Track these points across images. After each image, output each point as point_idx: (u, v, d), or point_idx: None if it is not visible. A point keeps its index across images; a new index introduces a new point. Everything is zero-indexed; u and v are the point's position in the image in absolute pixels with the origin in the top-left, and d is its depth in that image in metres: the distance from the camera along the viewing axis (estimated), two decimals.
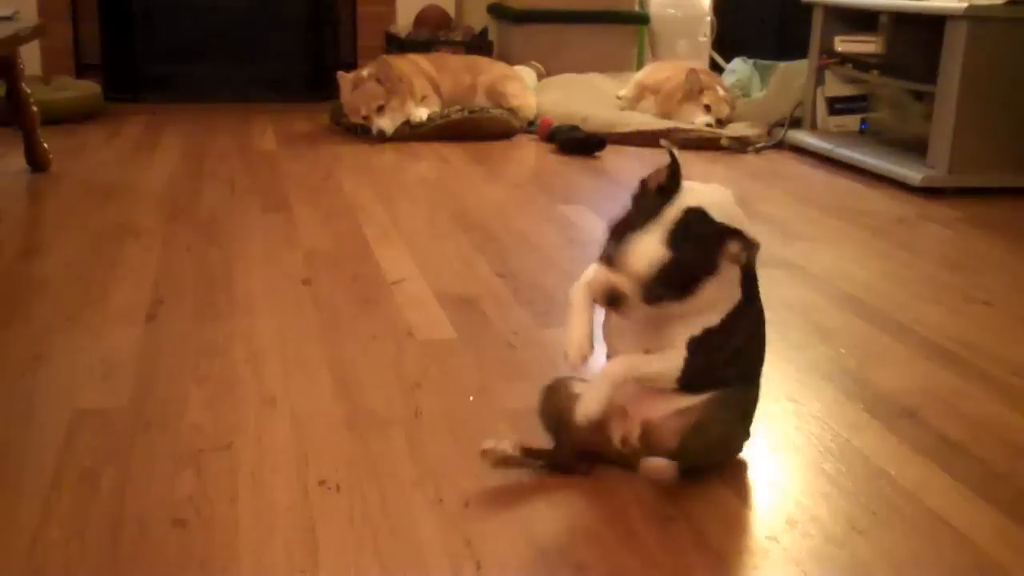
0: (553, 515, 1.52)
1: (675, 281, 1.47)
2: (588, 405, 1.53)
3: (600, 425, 1.61)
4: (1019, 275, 2.84)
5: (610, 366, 1.56)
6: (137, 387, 1.90)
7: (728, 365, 1.59)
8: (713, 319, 1.54)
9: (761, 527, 1.50)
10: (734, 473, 1.64)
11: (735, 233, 1.48)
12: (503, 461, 1.59)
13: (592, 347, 1.55)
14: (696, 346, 1.53)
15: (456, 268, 2.69)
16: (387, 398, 1.88)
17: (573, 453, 1.63)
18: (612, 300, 1.50)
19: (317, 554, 1.39)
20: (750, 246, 1.48)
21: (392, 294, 2.45)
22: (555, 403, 1.66)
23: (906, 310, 2.45)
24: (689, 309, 1.51)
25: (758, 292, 1.59)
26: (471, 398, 1.89)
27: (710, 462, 1.60)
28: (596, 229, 3.08)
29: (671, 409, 1.57)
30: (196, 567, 1.36)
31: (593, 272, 1.58)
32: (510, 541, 1.43)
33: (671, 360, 1.54)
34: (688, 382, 1.55)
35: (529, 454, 1.61)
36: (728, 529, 1.49)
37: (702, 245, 1.47)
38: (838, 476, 1.64)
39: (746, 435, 1.65)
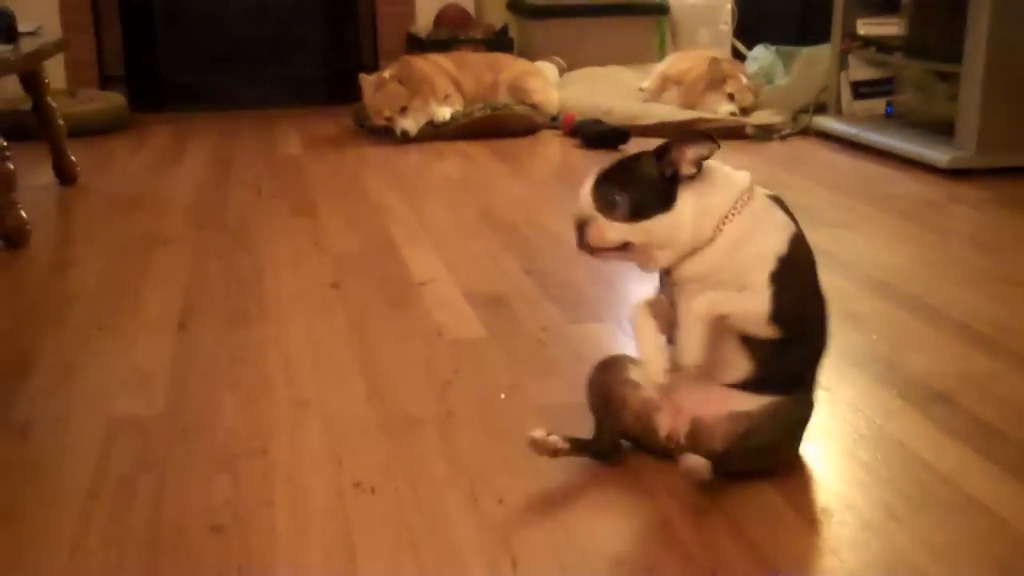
0: (588, 511, 1.52)
1: (622, 180, 1.52)
2: (689, 351, 1.51)
3: (649, 413, 1.61)
4: None
5: (695, 304, 1.52)
6: (171, 394, 1.91)
7: (808, 307, 1.58)
8: (779, 247, 1.52)
9: (797, 516, 1.49)
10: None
11: (683, 137, 1.51)
12: (551, 451, 1.59)
13: (668, 361, 1.54)
14: (776, 278, 1.50)
15: (484, 266, 2.69)
16: (419, 398, 1.89)
17: (616, 438, 1.64)
18: (579, 225, 1.55)
19: (355, 556, 1.39)
20: (707, 146, 1.50)
21: (420, 295, 2.46)
22: (604, 384, 1.66)
23: (937, 294, 2.44)
24: (720, 259, 1.52)
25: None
26: (503, 396, 1.90)
27: (753, 469, 1.58)
28: None
29: (724, 411, 1.56)
30: (234, 572, 1.37)
31: (649, 297, 1.61)
32: (546, 538, 1.44)
33: (757, 295, 1.50)
34: (780, 319, 1.50)
35: (575, 445, 1.61)
36: (764, 520, 1.48)
37: (646, 156, 1.54)
38: (873, 463, 1.64)
39: (795, 448, 1.63)
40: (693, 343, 1.51)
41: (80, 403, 1.90)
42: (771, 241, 1.53)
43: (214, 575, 1.36)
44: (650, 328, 1.56)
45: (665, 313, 1.59)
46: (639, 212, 1.51)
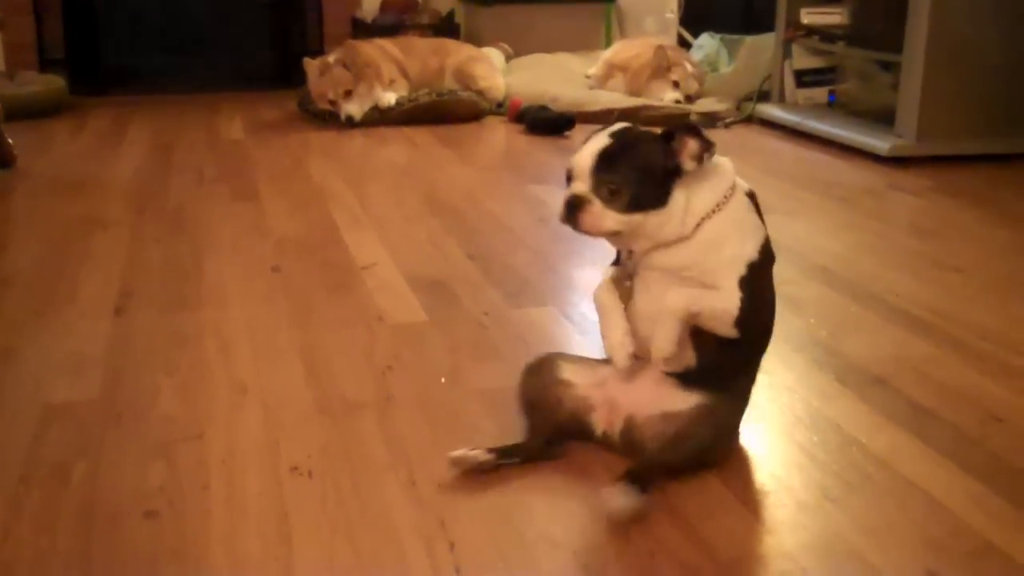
0: (526, 495, 1.51)
1: (625, 167, 1.49)
2: (663, 346, 1.51)
3: (585, 411, 1.61)
4: (989, 242, 2.85)
5: (671, 299, 1.51)
6: (107, 380, 1.89)
7: (766, 311, 1.59)
8: (751, 253, 1.53)
9: (734, 498, 1.50)
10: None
11: (688, 130, 1.49)
12: (475, 467, 1.55)
13: (632, 344, 1.55)
14: (745, 284, 1.52)
15: (426, 251, 2.68)
16: (358, 383, 1.87)
17: (547, 438, 1.62)
18: (572, 204, 1.52)
19: (291, 540, 1.38)
20: (708, 145, 1.49)
21: (362, 279, 2.44)
22: (537, 383, 1.66)
23: (877, 279, 2.46)
24: (700, 253, 1.51)
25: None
26: (443, 380, 1.89)
27: (682, 469, 1.55)
28: None
29: (658, 410, 1.56)
30: (168, 557, 1.35)
31: (609, 272, 1.60)
32: (484, 521, 1.43)
33: (728, 297, 1.51)
34: (742, 322, 1.52)
35: (501, 454, 1.57)
36: (701, 501, 1.49)
37: (647, 138, 1.52)
38: (810, 445, 1.65)
39: (724, 448, 1.61)
40: (667, 338, 1.52)
41: (14, 389, 1.86)
42: (745, 246, 1.54)
43: (148, 561, 1.35)
44: (617, 312, 1.57)
45: (623, 288, 1.59)
46: (637, 205, 1.50)
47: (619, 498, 1.43)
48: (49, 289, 2.39)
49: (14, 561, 1.34)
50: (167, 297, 2.33)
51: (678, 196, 1.50)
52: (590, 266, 2.53)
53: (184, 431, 1.68)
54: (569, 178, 1.54)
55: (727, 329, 1.53)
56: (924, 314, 2.23)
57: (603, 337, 1.57)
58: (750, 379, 1.65)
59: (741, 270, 1.52)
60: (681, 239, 1.52)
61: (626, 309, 1.58)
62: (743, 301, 1.51)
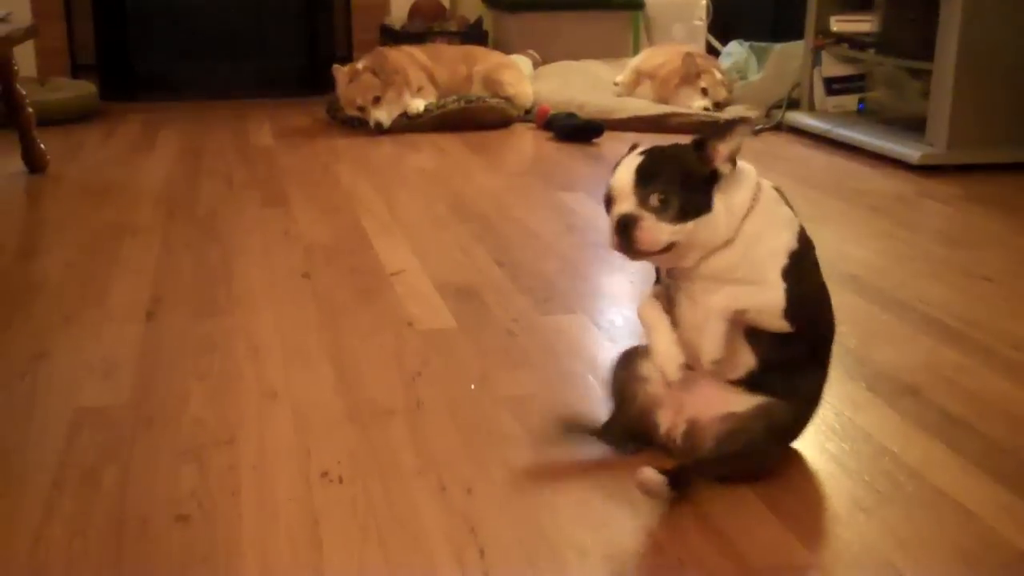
0: (556, 502, 1.51)
1: (668, 177, 1.48)
2: (710, 349, 1.50)
3: (653, 409, 1.62)
4: (1019, 250, 2.84)
5: (714, 300, 1.51)
6: (138, 384, 1.90)
7: (816, 298, 1.59)
8: (790, 242, 1.53)
9: (765, 508, 1.49)
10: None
11: (715, 134, 1.50)
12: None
13: (682, 354, 1.53)
14: (789, 273, 1.51)
15: (455, 258, 2.68)
16: (388, 389, 1.88)
17: (625, 429, 1.64)
18: (624, 225, 1.48)
19: (321, 546, 1.39)
20: (732, 135, 1.49)
21: (392, 285, 2.45)
22: (621, 376, 1.67)
23: (906, 288, 2.45)
24: (740, 256, 1.51)
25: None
26: (472, 387, 1.89)
27: (730, 474, 1.55)
28: (595, 215, 3.07)
29: (719, 412, 1.55)
30: (199, 562, 1.35)
31: (652, 290, 1.60)
32: (513, 527, 1.43)
33: (772, 289, 1.50)
34: (792, 313, 1.50)
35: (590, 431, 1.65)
36: (732, 510, 1.48)
37: (682, 151, 1.52)
38: (841, 455, 1.64)
39: (774, 455, 1.60)
40: (714, 340, 1.51)
41: (46, 393, 1.88)
42: (782, 237, 1.53)
43: (178, 565, 1.35)
44: (663, 323, 1.55)
45: (666, 303, 1.58)
46: (687, 213, 1.48)
47: (651, 476, 1.45)
48: (80, 294, 2.41)
49: (46, 564, 1.35)
50: (197, 302, 2.34)
51: (718, 199, 1.50)
52: (619, 273, 2.53)
53: (215, 436, 1.69)
54: (609, 203, 1.52)
55: (778, 322, 1.51)
56: (954, 323, 2.22)
57: (652, 352, 1.56)
58: (818, 378, 1.62)
59: (783, 260, 1.51)
60: (726, 244, 1.51)
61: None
62: (788, 291, 1.50)
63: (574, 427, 1.67)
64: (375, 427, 1.72)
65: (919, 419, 1.77)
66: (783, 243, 1.53)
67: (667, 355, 1.53)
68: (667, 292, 1.59)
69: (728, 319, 1.50)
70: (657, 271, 1.63)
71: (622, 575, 1.34)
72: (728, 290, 1.51)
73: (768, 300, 1.50)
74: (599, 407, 1.73)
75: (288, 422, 1.74)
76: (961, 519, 1.46)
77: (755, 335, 1.54)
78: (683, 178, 1.49)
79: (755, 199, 1.52)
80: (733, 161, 1.50)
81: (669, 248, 1.49)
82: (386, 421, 1.75)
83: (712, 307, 1.51)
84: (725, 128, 1.50)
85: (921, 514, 1.48)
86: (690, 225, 1.48)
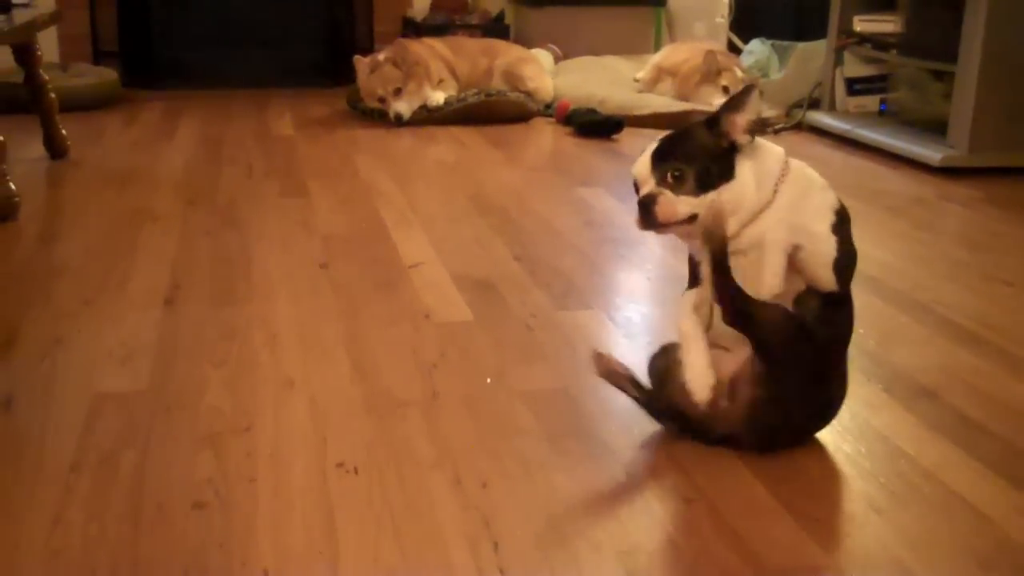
0: (571, 496, 1.51)
1: (682, 154, 1.55)
2: (770, 280, 1.53)
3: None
4: None
5: (772, 233, 1.54)
6: (156, 370, 1.91)
7: (854, 261, 1.61)
8: (834, 201, 1.58)
9: (779, 507, 1.49)
10: (754, 453, 1.63)
11: (729, 106, 1.55)
12: (610, 373, 1.65)
13: (713, 376, 1.56)
14: (837, 229, 1.55)
15: (473, 251, 2.68)
16: (405, 380, 1.88)
17: (665, 408, 1.66)
18: (645, 204, 1.56)
19: (336, 535, 1.39)
20: (745, 105, 1.54)
21: (409, 277, 2.45)
22: (662, 362, 1.69)
23: (925, 290, 2.44)
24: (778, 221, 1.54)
25: None
26: (488, 380, 1.89)
27: (770, 444, 1.61)
28: (614, 212, 3.07)
29: (758, 370, 1.57)
30: (215, 548, 1.36)
31: (688, 298, 1.62)
32: (528, 521, 1.44)
33: (823, 242, 1.55)
34: (840, 269, 1.56)
35: (633, 383, 1.67)
36: (746, 509, 1.48)
37: (694, 128, 1.59)
38: (857, 456, 1.64)
39: (815, 426, 1.67)
40: (773, 270, 1.54)
41: (64, 377, 1.89)
42: (826, 196, 1.59)
43: (195, 551, 1.36)
44: (700, 342, 1.58)
45: (703, 307, 1.61)
46: (705, 184, 1.54)
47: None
48: (100, 279, 2.42)
49: (64, 548, 1.36)
50: (216, 290, 2.35)
51: (744, 165, 1.55)
52: (636, 270, 2.53)
53: (232, 423, 1.70)
54: (636, 191, 1.60)
55: (827, 273, 1.55)
56: (973, 326, 2.21)
57: (685, 367, 1.58)
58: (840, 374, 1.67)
59: (831, 217, 1.56)
60: (764, 207, 1.55)
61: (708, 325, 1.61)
62: (839, 245, 1.55)
63: (614, 374, 1.68)
64: (391, 418, 1.73)
65: (935, 422, 1.76)
66: (828, 201, 1.58)
67: (700, 377, 1.56)
68: (705, 297, 1.60)
69: (786, 250, 1.53)
70: (692, 273, 1.64)
71: (636, 572, 1.34)
72: (787, 225, 1.54)
73: (820, 247, 1.55)
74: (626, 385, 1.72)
75: (305, 411, 1.75)
76: (976, 522, 1.46)
77: (801, 301, 1.57)
78: (697, 152, 1.55)
79: (786, 165, 1.58)
80: (751, 132, 1.55)
81: (692, 219, 1.55)
82: (402, 413, 1.75)
83: (772, 237, 1.54)
84: (738, 100, 1.55)
85: (936, 517, 1.48)
86: (711, 195, 1.54)
